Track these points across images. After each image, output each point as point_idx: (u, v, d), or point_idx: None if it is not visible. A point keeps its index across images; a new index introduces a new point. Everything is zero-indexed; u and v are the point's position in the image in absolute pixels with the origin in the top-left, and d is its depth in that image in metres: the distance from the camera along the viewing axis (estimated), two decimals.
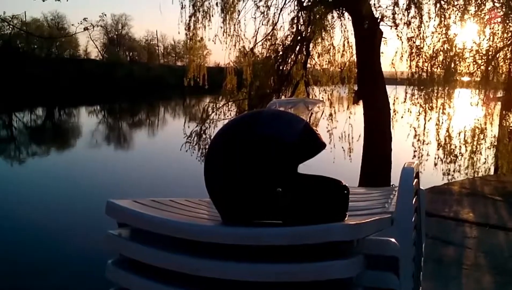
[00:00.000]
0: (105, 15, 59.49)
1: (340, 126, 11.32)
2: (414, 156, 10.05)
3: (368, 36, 10.23)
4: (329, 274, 1.21)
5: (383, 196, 2.32)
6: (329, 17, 11.47)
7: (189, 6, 11.40)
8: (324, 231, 1.21)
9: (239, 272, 1.23)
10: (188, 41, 12.16)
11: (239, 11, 11.67)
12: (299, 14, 11.58)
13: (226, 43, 11.72)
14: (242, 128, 1.37)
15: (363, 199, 2.24)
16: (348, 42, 11.56)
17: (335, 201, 1.37)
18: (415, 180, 1.95)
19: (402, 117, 10.69)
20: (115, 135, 29.60)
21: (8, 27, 46.65)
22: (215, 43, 11.62)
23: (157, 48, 71.78)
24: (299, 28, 11.64)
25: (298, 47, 11.80)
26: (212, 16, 11.47)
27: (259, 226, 1.29)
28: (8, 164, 19.74)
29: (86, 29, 5.74)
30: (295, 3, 11.56)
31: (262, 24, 11.61)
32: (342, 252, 1.24)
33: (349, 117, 11.49)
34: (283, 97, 12.05)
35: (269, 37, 11.90)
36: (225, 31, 11.71)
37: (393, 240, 1.33)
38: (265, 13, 11.55)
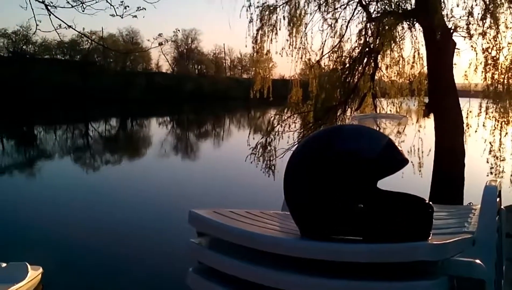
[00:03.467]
0: (179, 30, 61.78)
1: (409, 140, 10.96)
2: (491, 172, 9.53)
3: (441, 47, 9.89)
4: None
5: (461, 214, 2.22)
6: (399, 28, 11.22)
7: (257, 20, 11.59)
8: (409, 250, 1.18)
9: (322, 287, 1.23)
10: (255, 54, 12.33)
11: (306, 24, 11.70)
12: (367, 26, 11.42)
13: (292, 56, 11.76)
14: (322, 143, 1.37)
15: (440, 217, 2.15)
16: (418, 54, 11.24)
17: (419, 219, 1.33)
18: (497, 199, 1.86)
19: (476, 131, 10.19)
20: (183, 146, 30.53)
21: (87, 42, 49.94)
22: (281, 56, 11.71)
23: (224, 61, 73.44)
24: (367, 39, 11.46)
25: (365, 59, 11.61)
26: (279, 29, 11.57)
27: (338, 241, 1.29)
28: (83, 171, 20.95)
29: (160, 44, 6.04)
30: (364, 14, 11.42)
31: (330, 37, 11.55)
32: (425, 272, 1.20)
33: (419, 130, 11.10)
34: (349, 110, 11.89)
35: (336, 49, 11.81)
36: (291, 43, 11.76)
37: (479, 262, 1.27)
38: (332, 26, 11.49)
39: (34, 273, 8.03)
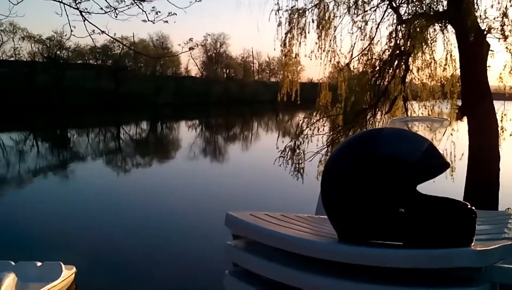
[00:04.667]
0: (209, 35, 62.52)
1: (441, 144, 10.73)
2: None
3: (474, 49, 9.66)
4: None
5: (500, 220, 2.17)
6: (431, 30, 11.02)
7: (286, 23, 11.60)
8: (453, 256, 1.16)
9: None
10: (283, 57, 12.34)
11: (335, 27, 11.63)
12: (398, 28, 11.26)
13: (321, 59, 11.71)
14: (362, 147, 1.36)
15: (478, 223, 2.10)
16: (451, 56, 11.01)
17: (462, 224, 1.30)
18: None
19: (510, 135, 9.91)
20: (211, 149, 30.77)
21: (118, 47, 50.99)
22: (310, 59, 11.67)
23: (252, 65, 73.77)
24: (398, 42, 11.31)
25: (396, 61, 11.45)
26: (308, 32, 11.54)
27: (378, 246, 1.27)
28: (115, 173, 21.36)
29: (191, 48, 6.11)
30: (394, 17, 11.27)
31: (359, 39, 11.46)
32: (468, 279, 1.18)
33: (451, 134, 10.86)
34: (379, 113, 11.76)
35: (366, 52, 11.70)
36: (320, 46, 11.70)
37: None
38: (362, 28, 11.39)
39: (67, 273, 8.21)
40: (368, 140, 1.44)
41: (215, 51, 68.12)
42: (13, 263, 8.00)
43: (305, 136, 11.80)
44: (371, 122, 11.38)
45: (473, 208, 1.34)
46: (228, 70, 69.97)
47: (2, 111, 37.06)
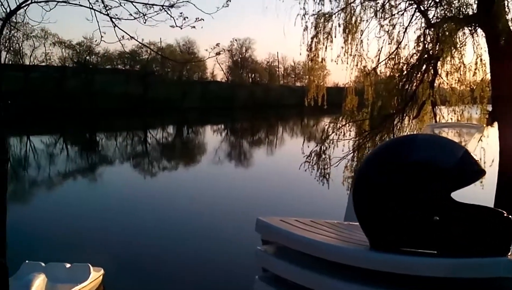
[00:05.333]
0: (236, 40, 62.95)
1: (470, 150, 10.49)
2: None
3: (505, 53, 9.43)
4: None
5: None
6: (460, 33, 10.80)
7: (312, 28, 11.54)
8: (489, 265, 1.13)
9: None
10: (309, 62, 12.29)
11: (362, 31, 11.51)
12: (426, 32, 11.09)
13: (347, 63, 11.60)
14: (395, 153, 1.34)
15: None
16: (481, 60, 10.76)
17: (498, 233, 1.27)
18: None
19: None
20: (236, 153, 30.89)
21: (146, 52, 51.80)
22: (336, 63, 11.58)
23: (277, 69, 73.87)
24: (426, 46, 11.13)
25: (424, 65, 11.27)
26: (335, 37, 11.47)
27: (411, 254, 1.25)
28: (142, 176, 21.67)
29: (218, 53, 6.14)
30: (422, 20, 11.11)
31: (386, 43, 11.32)
32: (502, 289, 1.15)
33: (481, 140, 10.61)
34: (407, 118, 11.59)
35: (393, 56, 11.54)
36: (347, 51, 11.60)
37: None
38: (389, 32, 11.25)
39: (96, 274, 8.36)
40: (401, 146, 1.42)
41: (240, 55, 68.52)
42: (43, 264, 8.20)
43: (331, 141, 11.69)
44: (398, 128, 11.21)
45: (510, 216, 1.31)
46: (253, 75, 70.22)
47: (33, 115, 38.08)
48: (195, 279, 8.77)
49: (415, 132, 10.59)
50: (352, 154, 11.24)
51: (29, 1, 4.61)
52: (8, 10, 4.68)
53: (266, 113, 56.89)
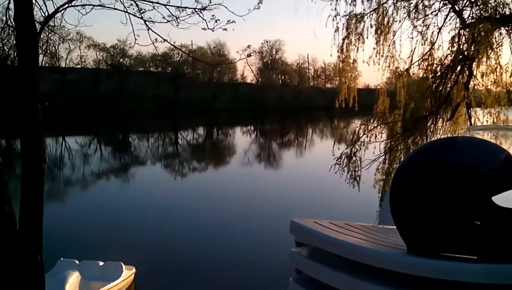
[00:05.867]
0: (267, 42, 62.97)
1: None
2: None
3: None
4: None
5: None
6: (496, 34, 10.54)
7: (343, 29, 11.47)
8: None
9: None
10: (340, 63, 12.20)
11: (394, 31, 11.37)
12: (461, 32, 10.86)
13: (379, 64, 11.47)
14: (435, 155, 1.30)
15: None
16: None
17: None
18: None
19: None
20: (266, 155, 30.91)
21: (178, 54, 52.49)
22: (368, 64, 11.47)
23: (307, 71, 73.49)
24: (461, 47, 10.90)
25: (459, 66, 11.03)
26: (366, 38, 11.36)
27: (450, 259, 1.22)
28: (173, 177, 21.96)
29: (249, 55, 6.17)
30: (457, 21, 10.88)
31: (420, 44, 11.14)
32: None
33: None
34: (441, 121, 11.37)
35: (427, 57, 11.35)
36: (379, 52, 11.48)
37: None
38: (423, 33, 11.08)
39: (128, 273, 8.50)
40: (441, 148, 1.38)
41: (270, 57, 68.51)
42: (77, 262, 8.40)
43: (362, 143, 11.58)
44: (431, 130, 11.01)
45: None
46: (283, 77, 70.08)
47: (69, 116, 39.14)
48: (227, 280, 8.79)
49: (449, 135, 10.38)
50: (383, 156, 11.10)
51: (66, 5, 4.75)
52: (46, 14, 4.83)
53: (296, 115, 56.74)
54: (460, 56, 10.88)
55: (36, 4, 4.60)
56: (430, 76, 11.32)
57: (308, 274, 1.42)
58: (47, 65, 45.87)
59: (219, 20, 5.12)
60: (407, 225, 1.36)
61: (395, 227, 1.40)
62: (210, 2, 4.98)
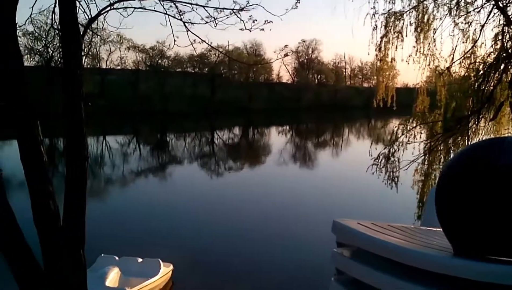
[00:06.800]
0: (304, 41, 62.74)
1: None
2: None
3: None
4: None
5: None
6: None
7: (381, 27, 11.27)
8: None
9: None
10: (378, 62, 12.01)
11: (434, 29, 11.09)
12: (505, 30, 10.47)
13: (418, 63, 11.22)
14: (482, 156, 1.27)
15: None
16: None
17: None
18: None
19: None
20: (301, 154, 30.80)
21: (214, 55, 53.05)
22: (408, 63, 11.24)
23: (344, 70, 72.82)
24: (505, 44, 10.51)
25: (502, 65, 10.64)
26: (406, 36, 11.14)
27: (497, 262, 1.19)
28: (209, 176, 22.18)
29: (286, 55, 6.20)
30: (501, 17, 10.49)
31: (461, 42, 10.83)
32: None
33: None
34: (483, 120, 11.02)
35: (469, 55, 11.00)
36: (418, 50, 11.22)
37: None
38: (464, 30, 10.75)
39: (165, 270, 8.67)
40: (489, 149, 1.34)
41: (306, 57, 68.27)
42: (117, 258, 8.63)
43: (400, 144, 11.36)
44: (473, 130, 10.67)
45: None
46: (319, 76, 69.68)
47: (109, 116, 40.18)
48: (264, 279, 8.82)
49: (492, 135, 10.07)
50: (423, 157, 10.86)
51: (109, 8, 4.89)
52: (89, 17, 4.99)
53: (332, 115, 56.27)
54: (504, 54, 10.50)
55: (80, 7, 4.76)
56: (472, 74, 10.98)
57: (350, 275, 1.41)
58: (89, 66, 47.27)
59: (256, 20, 5.15)
60: (454, 227, 1.33)
61: (438, 229, 1.37)
62: (248, 3, 5.01)
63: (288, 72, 67.90)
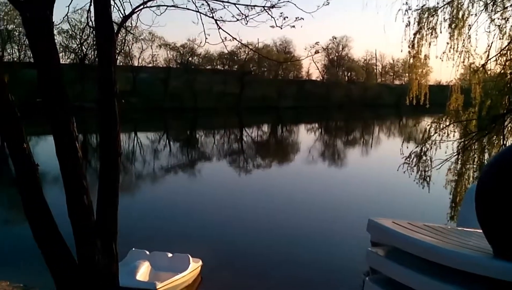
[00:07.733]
0: (335, 38, 62.28)
1: None
2: None
3: None
4: None
5: None
6: None
7: (414, 24, 11.07)
8: None
9: None
10: (410, 59, 11.79)
11: (469, 25, 10.81)
12: None
13: (452, 60, 10.96)
14: None
15: None
16: None
17: None
18: None
19: None
20: (330, 152, 30.59)
21: (244, 52, 53.17)
22: (442, 60, 11.00)
23: (375, 67, 71.81)
24: None
25: None
26: (440, 32, 10.90)
27: None
28: (238, 173, 22.29)
29: (316, 52, 6.14)
30: None
31: (497, 38, 10.52)
32: None
33: None
34: None
35: (505, 52, 10.69)
36: (452, 47, 10.97)
37: None
38: (501, 26, 10.44)
39: (194, 265, 8.76)
40: None
41: (337, 54, 67.68)
42: (147, 253, 8.78)
43: (433, 142, 11.13)
44: (509, 129, 10.37)
45: None
46: (349, 73, 68.98)
47: (140, 112, 40.85)
48: (294, 276, 8.81)
49: None
50: (456, 156, 10.62)
51: (142, 6, 4.97)
52: (123, 15, 5.09)
53: (362, 112, 55.60)
54: None
55: (114, 6, 4.86)
56: (508, 72, 10.65)
57: (385, 274, 1.40)
58: (121, 64, 48.17)
59: (287, 17, 5.13)
60: (495, 228, 1.30)
61: (475, 229, 1.34)
62: (279, 0, 5.00)
63: (318, 69, 67.58)
